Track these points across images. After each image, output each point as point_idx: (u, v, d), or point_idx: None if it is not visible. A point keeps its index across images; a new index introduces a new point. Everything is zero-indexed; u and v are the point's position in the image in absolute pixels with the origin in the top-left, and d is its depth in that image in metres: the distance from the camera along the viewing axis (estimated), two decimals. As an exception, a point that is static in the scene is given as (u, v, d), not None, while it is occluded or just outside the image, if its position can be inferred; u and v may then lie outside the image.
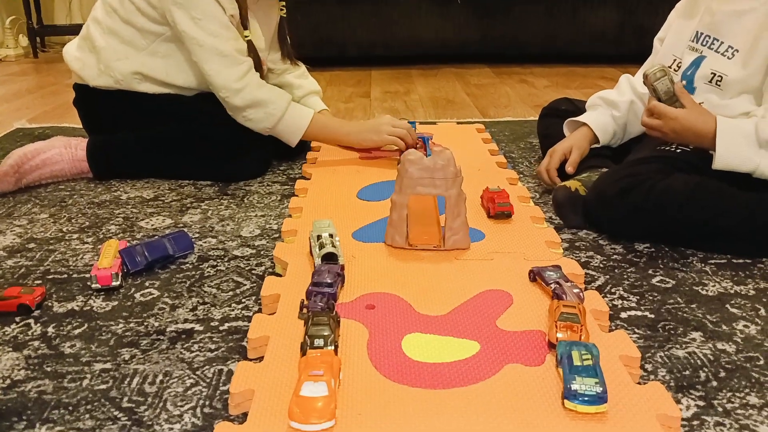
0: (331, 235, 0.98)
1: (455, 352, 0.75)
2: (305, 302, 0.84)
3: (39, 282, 0.98)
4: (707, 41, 1.17)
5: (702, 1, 1.21)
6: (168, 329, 0.86)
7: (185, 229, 1.15)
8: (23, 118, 1.95)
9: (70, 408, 0.70)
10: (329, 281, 0.87)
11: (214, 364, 0.78)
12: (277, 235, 1.13)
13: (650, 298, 0.93)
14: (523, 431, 0.63)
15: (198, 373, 0.76)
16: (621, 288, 0.96)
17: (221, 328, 0.86)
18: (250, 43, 1.36)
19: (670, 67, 1.21)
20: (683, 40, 1.22)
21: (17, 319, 0.88)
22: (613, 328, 0.85)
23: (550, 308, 0.82)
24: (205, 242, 1.11)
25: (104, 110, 1.42)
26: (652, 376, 0.76)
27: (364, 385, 0.70)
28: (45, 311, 0.90)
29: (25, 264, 1.04)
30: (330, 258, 0.94)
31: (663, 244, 1.08)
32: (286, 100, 1.37)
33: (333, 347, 0.73)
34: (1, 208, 1.27)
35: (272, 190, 1.34)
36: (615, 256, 1.05)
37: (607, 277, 0.99)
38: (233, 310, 0.90)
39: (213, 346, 0.82)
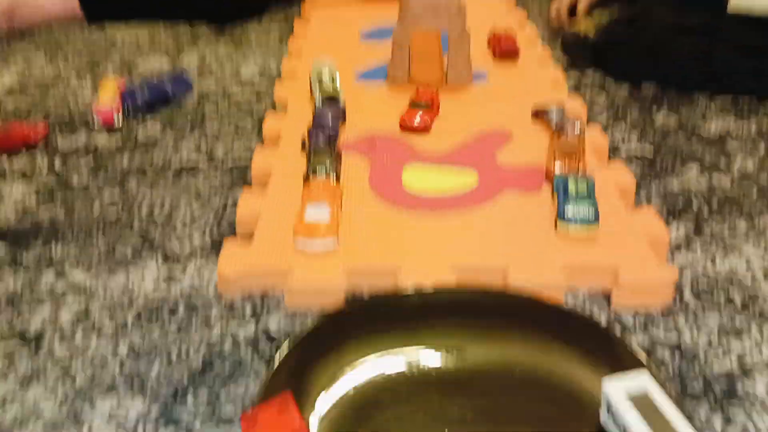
0: (332, 75, 0.97)
1: (454, 183, 0.77)
2: (306, 138, 0.84)
3: (40, 122, 0.98)
4: None
5: None
6: (173, 164, 0.87)
7: (183, 71, 1.13)
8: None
9: (84, 232, 0.73)
10: (330, 120, 0.87)
11: (219, 193, 0.80)
12: (276, 75, 1.11)
13: (651, 134, 0.93)
14: (515, 251, 0.66)
15: (205, 201, 0.79)
16: (623, 124, 0.96)
17: (225, 163, 0.87)
18: None
19: None
20: None
21: (24, 151, 0.90)
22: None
23: (550, 142, 0.83)
24: (203, 82, 1.10)
25: None
26: (645, 205, 0.78)
27: (365, 211, 0.72)
28: (50, 147, 0.91)
29: (25, 102, 1.04)
30: (331, 98, 0.94)
31: (669, 84, 1.07)
32: None
33: (335, 176, 0.75)
34: (-6, 50, 1.25)
35: (270, 29, 1.31)
36: (620, 96, 1.04)
37: (610, 114, 0.99)
38: (236, 147, 0.91)
39: (217, 179, 0.84)
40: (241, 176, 0.84)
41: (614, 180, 0.77)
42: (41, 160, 0.88)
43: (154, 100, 1.01)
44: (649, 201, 0.78)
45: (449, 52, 0.98)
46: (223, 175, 0.84)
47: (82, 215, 0.76)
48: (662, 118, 0.98)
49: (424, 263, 0.64)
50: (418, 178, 0.78)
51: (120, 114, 0.96)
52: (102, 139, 0.93)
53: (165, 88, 1.03)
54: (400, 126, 0.88)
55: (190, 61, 1.18)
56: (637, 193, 0.79)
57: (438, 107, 0.92)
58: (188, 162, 0.87)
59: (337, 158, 0.78)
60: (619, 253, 0.65)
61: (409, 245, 0.67)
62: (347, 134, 0.88)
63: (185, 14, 1.35)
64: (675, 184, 0.82)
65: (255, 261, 0.64)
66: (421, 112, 0.89)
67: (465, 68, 0.99)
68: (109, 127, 0.96)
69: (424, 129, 0.87)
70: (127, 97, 0.99)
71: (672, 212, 0.76)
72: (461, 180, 0.77)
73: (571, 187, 0.71)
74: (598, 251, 0.65)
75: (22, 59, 1.20)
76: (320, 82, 0.95)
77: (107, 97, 0.97)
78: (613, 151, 0.89)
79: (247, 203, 0.72)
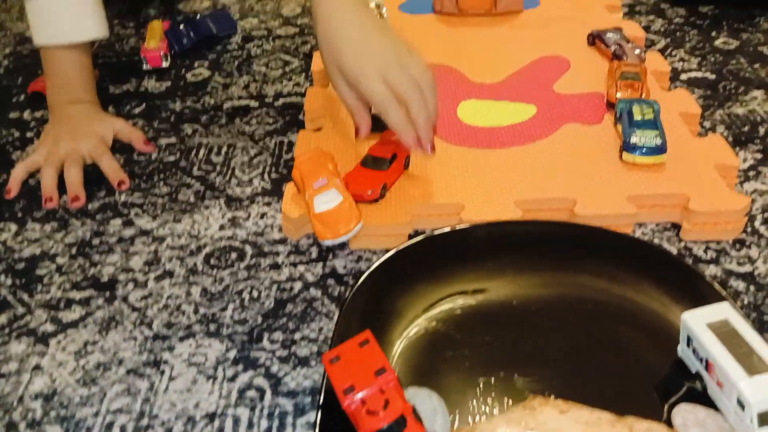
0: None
1: (511, 116, 0.75)
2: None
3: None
4: None
5: None
6: (225, 106, 0.87)
7: (226, 8, 1.11)
8: None
9: (144, 177, 0.74)
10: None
11: (274, 136, 0.80)
12: (319, 12, 1.09)
13: (712, 59, 0.89)
14: (580, 184, 0.64)
15: (260, 143, 0.79)
16: (682, 50, 0.92)
17: (276, 103, 0.87)
18: None
19: None
20: None
21: (77, 101, 0.90)
22: (674, 88, 0.83)
23: (609, 69, 0.80)
24: (246, 22, 1.08)
25: None
26: (710, 132, 0.75)
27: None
28: (102, 93, 0.91)
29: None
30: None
31: (728, 4, 1.01)
32: None
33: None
34: None
35: (309, -34, 1.27)
36: (677, 19, 0.99)
37: (669, 39, 0.94)
38: (285, 87, 0.90)
39: (270, 120, 0.83)
40: (293, 117, 0.83)
41: (678, 107, 0.74)
42: (94, 108, 0.88)
43: (199, 39, 1.00)
44: (713, 129, 0.76)
45: (499, -22, 0.94)
46: (276, 116, 0.84)
47: (142, 163, 0.77)
48: (722, 41, 0.93)
49: (488, 200, 0.63)
50: (474, 115, 0.76)
51: (167, 56, 0.96)
52: (152, 83, 0.93)
53: (209, 27, 1.02)
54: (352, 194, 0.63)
55: (230, 0, 1.16)
56: (701, 121, 0.76)
57: (402, 169, 0.67)
58: (240, 103, 0.87)
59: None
60: (687, 182, 0.63)
61: (471, 182, 0.66)
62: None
63: None
64: (740, 111, 0.79)
65: (317, 202, 0.64)
66: (374, 177, 0.64)
67: (515, -5, 0.96)
68: (158, 68, 0.95)
69: (374, 199, 0.64)
70: (171, 38, 0.98)
71: (738, 140, 0.74)
72: (520, 115, 0.76)
73: (636, 113, 0.69)
74: (666, 180, 0.64)
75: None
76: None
77: (153, 40, 0.96)
78: (674, 78, 0.85)
79: (303, 148, 0.72)
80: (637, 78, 0.75)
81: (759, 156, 0.71)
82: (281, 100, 0.87)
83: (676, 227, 0.62)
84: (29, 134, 0.83)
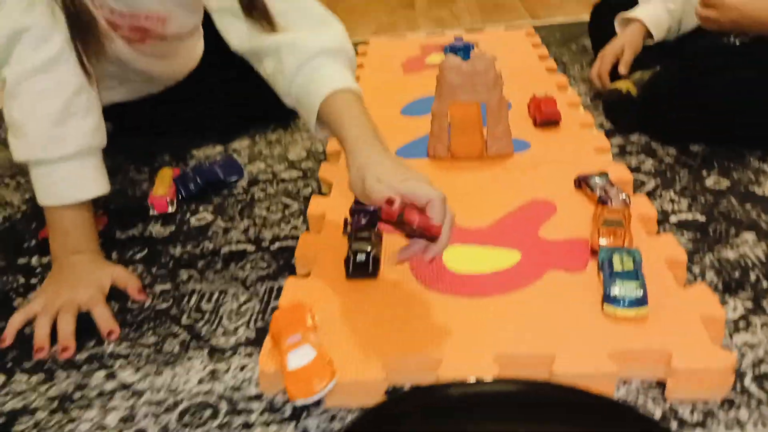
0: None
1: (495, 262, 0.76)
2: (348, 220, 0.85)
3: (101, 212, 1.03)
4: None
5: None
6: (222, 250, 0.89)
7: (234, 155, 1.18)
8: None
9: (134, 326, 0.76)
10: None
11: (265, 281, 0.82)
12: (323, 157, 1.14)
13: (702, 200, 0.90)
14: (560, 337, 0.64)
15: (251, 289, 0.80)
16: (672, 191, 0.93)
17: (272, 247, 0.89)
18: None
19: None
20: None
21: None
22: (663, 232, 0.83)
23: (594, 214, 0.81)
24: (254, 166, 1.14)
25: None
26: (699, 279, 0.74)
27: (404, 294, 0.72)
28: (108, 239, 0.95)
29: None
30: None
31: (720, 144, 1.04)
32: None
33: (375, 261, 0.75)
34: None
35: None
36: (667, 159, 1.02)
37: (658, 180, 0.96)
38: (282, 231, 0.93)
39: (264, 265, 0.85)
40: (287, 261, 0.85)
41: (664, 253, 0.74)
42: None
43: (206, 185, 1.05)
44: (702, 274, 0.75)
45: (488, 123, 0.99)
46: (270, 260, 0.86)
47: (134, 310, 0.78)
48: (713, 181, 0.95)
49: (466, 353, 0.63)
50: (459, 261, 0.77)
51: (174, 201, 1.00)
52: (157, 228, 0.97)
53: (216, 173, 1.07)
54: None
55: (241, 145, 1.22)
56: (689, 265, 0.76)
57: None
58: (237, 248, 0.90)
59: (378, 240, 0.79)
60: (671, 336, 0.62)
61: (451, 334, 0.66)
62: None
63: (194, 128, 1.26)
64: (730, 255, 0.78)
65: (296, 356, 0.64)
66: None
67: (505, 138, 0.99)
68: (164, 214, 0.99)
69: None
70: (180, 184, 1.03)
71: (728, 287, 0.73)
72: (504, 261, 0.76)
73: (617, 263, 0.69)
74: (649, 335, 0.63)
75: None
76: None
77: (162, 187, 1.02)
78: (663, 220, 0.86)
79: (289, 296, 0.73)
80: (620, 225, 0.76)
81: (749, 305, 0.70)
82: (277, 244, 0.90)
83: (662, 385, 0.60)
84: (34, 280, 0.87)
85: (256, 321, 0.74)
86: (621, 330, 0.64)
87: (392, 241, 0.82)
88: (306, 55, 0.77)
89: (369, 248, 0.76)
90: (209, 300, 0.79)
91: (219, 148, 1.22)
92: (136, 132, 1.26)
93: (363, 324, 0.68)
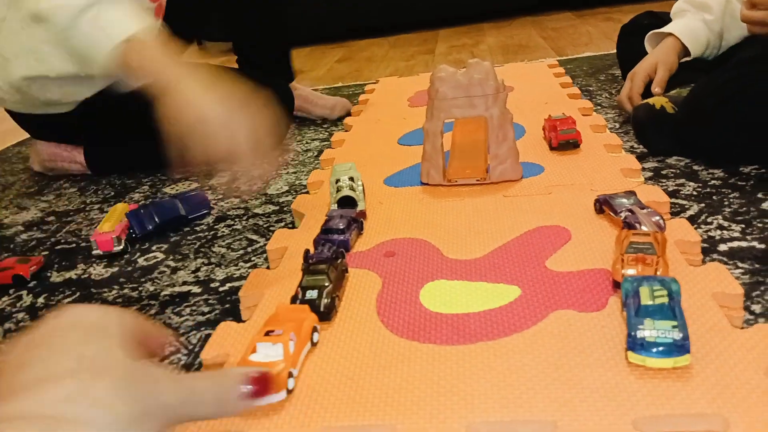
0: (351, 179, 0.83)
1: (486, 300, 0.58)
2: (311, 252, 0.69)
3: (45, 253, 0.90)
4: None
5: None
6: (162, 293, 0.74)
7: (209, 191, 1.04)
8: None
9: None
10: (341, 227, 0.72)
11: (202, 329, 0.66)
12: (305, 191, 0.99)
13: (759, 225, 0.71)
14: (566, 401, 0.45)
15: (182, 339, 0.64)
16: (720, 216, 0.74)
17: (221, 288, 0.73)
18: None
19: None
20: None
21: (11, 291, 0.80)
22: (709, 261, 0.64)
23: (617, 239, 0.63)
24: (227, 202, 0.99)
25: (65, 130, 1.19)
26: (761, 320, 0.55)
27: (363, 342, 0.55)
28: (42, 281, 0.82)
29: (37, 237, 0.97)
30: (347, 202, 0.79)
31: (778, 163, 0.85)
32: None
33: (328, 301, 0.59)
34: (34, 185, 1.22)
35: (310, 147, 1.21)
36: (713, 182, 0.83)
37: (703, 205, 0.77)
38: (239, 269, 0.77)
39: (207, 309, 0.69)
40: (234, 303, 0.69)
41: (711, 287, 0.55)
42: (26, 298, 0.78)
43: (165, 222, 0.91)
44: (764, 315, 0.56)
45: (489, 142, 0.82)
46: (215, 304, 0.70)
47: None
48: (774, 203, 0.75)
49: (431, 422, 0.45)
50: (440, 299, 0.60)
51: (122, 239, 0.86)
52: (98, 269, 0.82)
53: (177, 209, 0.93)
54: None
55: (219, 182, 1.09)
56: (747, 304, 0.57)
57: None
58: (180, 290, 0.74)
59: (339, 275, 0.63)
60: (725, 399, 0.43)
61: (414, 394, 0.48)
62: (363, 244, 0.72)
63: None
64: (802, 290, 0.59)
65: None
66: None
67: (510, 160, 0.82)
68: (110, 253, 0.85)
69: None
70: (133, 221, 0.89)
71: (804, 330, 0.53)
72: (497, 299, 0.59)
73: (645, 296, 0.51)
74: (692, 396, 0.44)
75: (54, 192, 1.16)
76: (338, 187, 0.81)
77: (108, 223, 0.88)
78: (709, 249, 0.67)
79: (215, 347, 0.57)
80: (650, 251, 0.58)
81: (835, 353, 0.50)
82: (228, 285, 0.74)
83: (713, 468, 0.41)
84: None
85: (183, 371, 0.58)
86: (652, 388, 0.45)
87: (362, 274, 0.66)
88: None
89: (324, 284, 0.60)
90: (129, 350, 0.63)
91: (195, 185, 1.09)
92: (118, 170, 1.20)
93: (302, 382, 0.51)
